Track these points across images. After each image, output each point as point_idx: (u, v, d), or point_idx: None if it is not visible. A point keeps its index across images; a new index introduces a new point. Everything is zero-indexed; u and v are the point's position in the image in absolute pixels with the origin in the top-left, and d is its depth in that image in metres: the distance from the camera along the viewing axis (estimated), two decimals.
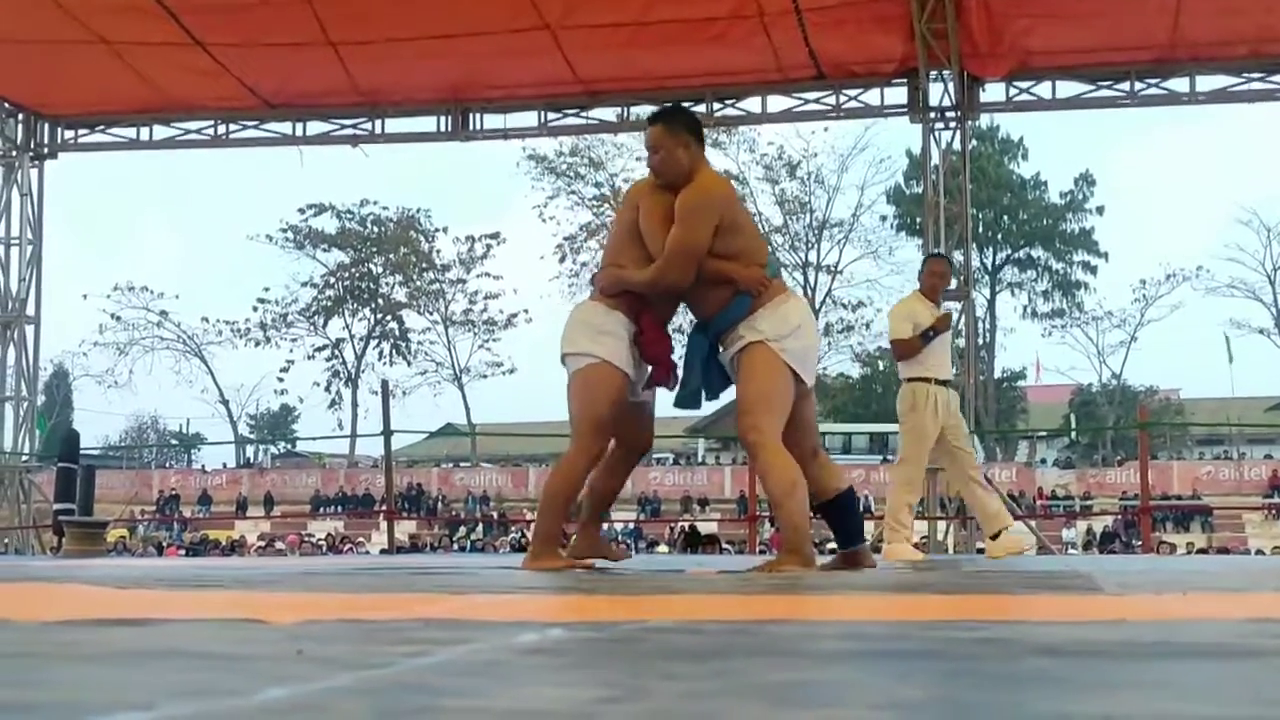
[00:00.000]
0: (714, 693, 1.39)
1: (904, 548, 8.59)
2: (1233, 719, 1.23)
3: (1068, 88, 14.87)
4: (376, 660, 1.70)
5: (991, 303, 53.96)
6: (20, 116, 16.53)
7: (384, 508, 16.63)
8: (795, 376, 5.46)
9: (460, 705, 1.31)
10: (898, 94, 15.05)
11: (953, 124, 14.67)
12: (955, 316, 15.14)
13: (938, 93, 14.56)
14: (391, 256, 54.62)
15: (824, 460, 5.82)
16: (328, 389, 55.40)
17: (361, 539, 33.85)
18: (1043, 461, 49.87)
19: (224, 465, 50.88)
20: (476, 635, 2.08)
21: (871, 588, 4.10)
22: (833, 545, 6.23)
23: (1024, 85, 14.87)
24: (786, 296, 5.57)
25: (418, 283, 55.23)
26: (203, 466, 50.75)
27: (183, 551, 28.03)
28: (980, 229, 50.24)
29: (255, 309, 54.75)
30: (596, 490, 5.91)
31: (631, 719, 1.22)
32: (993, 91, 14.95)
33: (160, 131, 16.64)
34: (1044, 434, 54.32)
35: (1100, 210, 55.80)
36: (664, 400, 5.93)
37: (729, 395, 5.83)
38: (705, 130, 5.86)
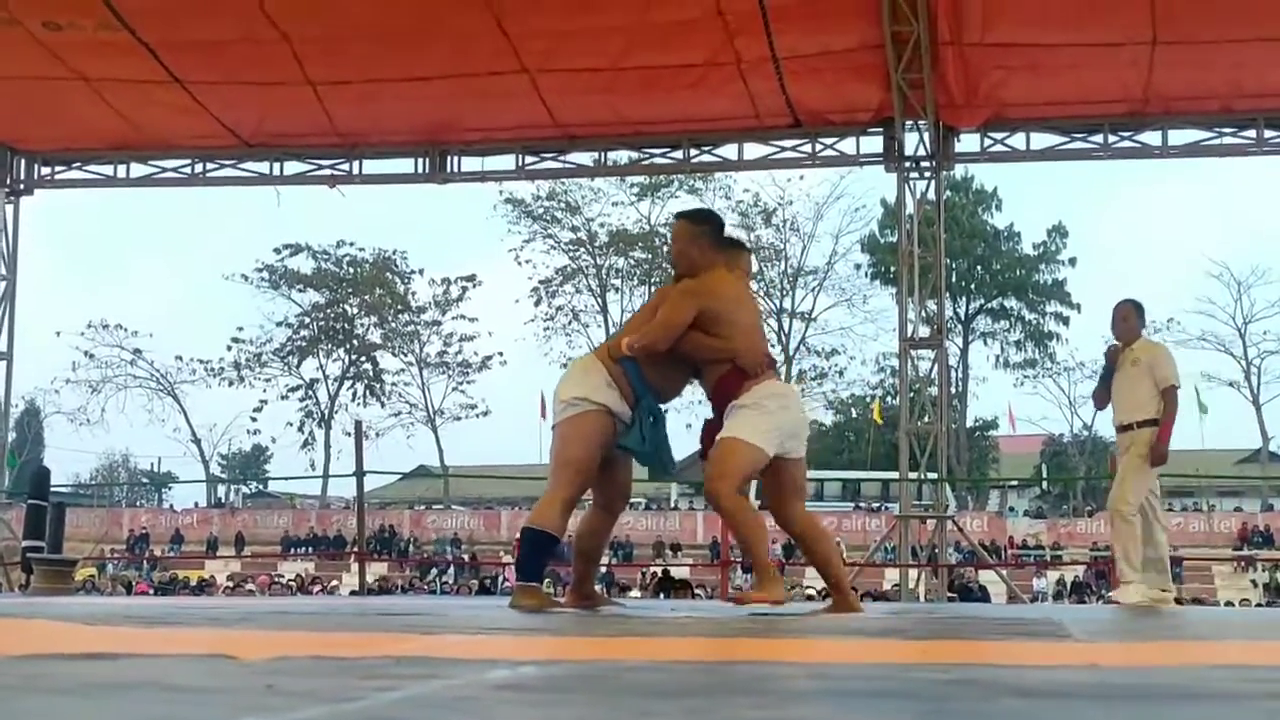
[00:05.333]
0: None
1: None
2: None
3: (1042, 139, 14.97)
4: (347, 695, 1.70)
5: (964, 352, 54.06)
6: None
7: (355, 549, 16.51)
8: None
9: None
10: (873, 143, 15.12)
11: (928, 173, 14.74)
12: (929, 365, 15.25)
13: (913, 142, 14.64)
14: (367, 298, 54.47)
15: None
16: (300, 429, 55.13)
17: (334, 580, 33.61)
18: (1012, 510, 49.91)
19: (195, 505, 50.52)
20: (448, 672, 2.08)
21: (835, 631, 4.09)
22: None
23: (999, 136, 14.97)
24: None
25: (393, 324, 55.12)
26: (172, 506, 50.36)
27: (152, 591, 27.76)
28: (954, 279, 50.44)
29: (229, 348, 54.52)
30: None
31: None
32: (967, 142, 15.05)
33: (137, 169, 16.60)
34: (1015, 483, 54.33)
35: (1073, 262, 56.04)
36: None
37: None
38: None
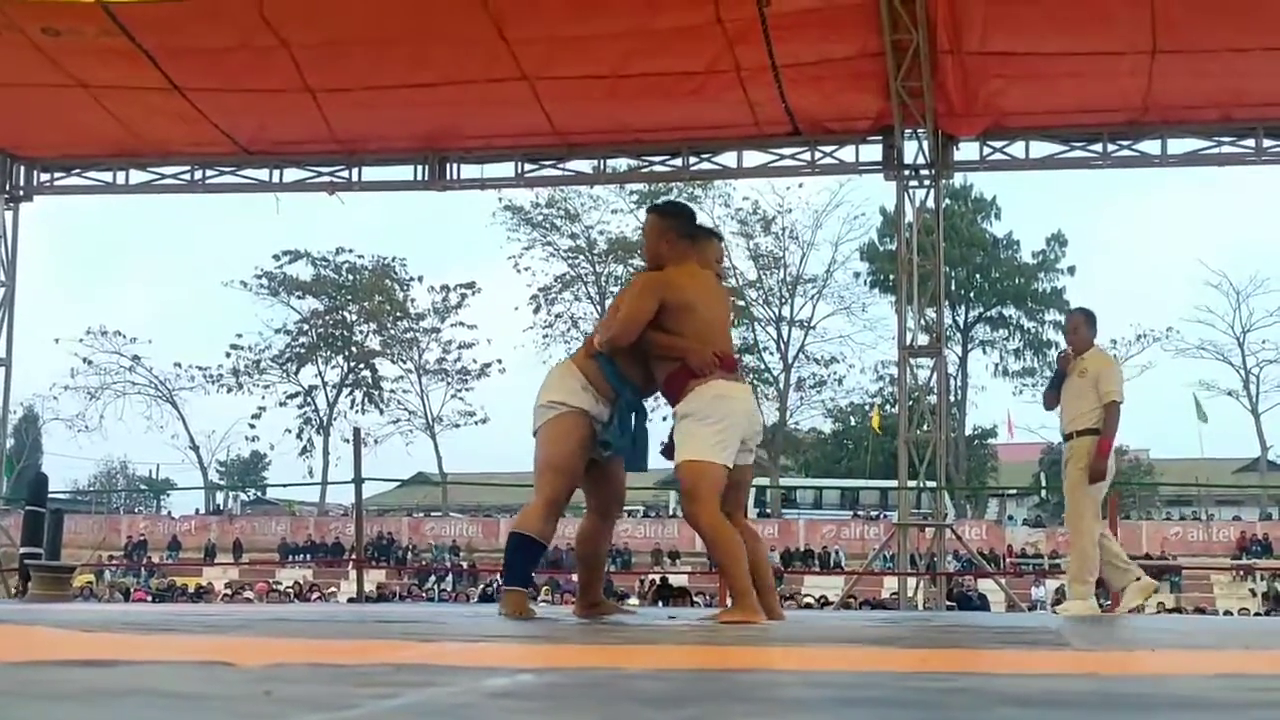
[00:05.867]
0: None
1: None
2: None
3: (1041, 148, 14.98)
4: (345, 702, 1.69)
5: (963, 360, 54.06)
6: None
7: (353, 556, 16.49)
8: None
9: None
10: (873, 151, 15.14)
11: (927, 182, 14.75)
12: (927, 373, 15.26)
13: (912, 150, 14.66)
14: (366, 304, 54.44)
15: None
16: (299, 436, 55.06)
17: (332, 588, 33.57)
18: (1012, 519, 49.90)
19: (195, 511, 50.46)
20: (445, 679, 2.07)
21: (837, 640, 4.09)
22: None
23: (998, 145, 14.98)
24: None
25: (392, 331, 55.07)
26: (170, 512, 50.31)
27: (150, 597, 27.72)
28: (953, 287, 50.42)
29: (228, 355, 54.50)
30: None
31: None
32: (967, 150, 15.07)
33: (137, 176, 16.61)
34: (1014, 492, 54.30)
35: (1072, 270, 56.09)
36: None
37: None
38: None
